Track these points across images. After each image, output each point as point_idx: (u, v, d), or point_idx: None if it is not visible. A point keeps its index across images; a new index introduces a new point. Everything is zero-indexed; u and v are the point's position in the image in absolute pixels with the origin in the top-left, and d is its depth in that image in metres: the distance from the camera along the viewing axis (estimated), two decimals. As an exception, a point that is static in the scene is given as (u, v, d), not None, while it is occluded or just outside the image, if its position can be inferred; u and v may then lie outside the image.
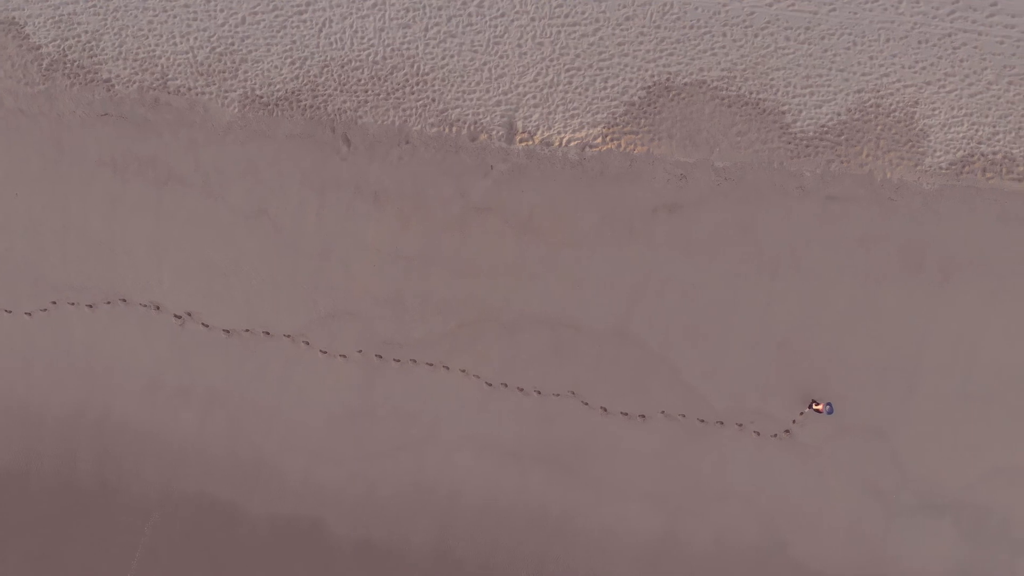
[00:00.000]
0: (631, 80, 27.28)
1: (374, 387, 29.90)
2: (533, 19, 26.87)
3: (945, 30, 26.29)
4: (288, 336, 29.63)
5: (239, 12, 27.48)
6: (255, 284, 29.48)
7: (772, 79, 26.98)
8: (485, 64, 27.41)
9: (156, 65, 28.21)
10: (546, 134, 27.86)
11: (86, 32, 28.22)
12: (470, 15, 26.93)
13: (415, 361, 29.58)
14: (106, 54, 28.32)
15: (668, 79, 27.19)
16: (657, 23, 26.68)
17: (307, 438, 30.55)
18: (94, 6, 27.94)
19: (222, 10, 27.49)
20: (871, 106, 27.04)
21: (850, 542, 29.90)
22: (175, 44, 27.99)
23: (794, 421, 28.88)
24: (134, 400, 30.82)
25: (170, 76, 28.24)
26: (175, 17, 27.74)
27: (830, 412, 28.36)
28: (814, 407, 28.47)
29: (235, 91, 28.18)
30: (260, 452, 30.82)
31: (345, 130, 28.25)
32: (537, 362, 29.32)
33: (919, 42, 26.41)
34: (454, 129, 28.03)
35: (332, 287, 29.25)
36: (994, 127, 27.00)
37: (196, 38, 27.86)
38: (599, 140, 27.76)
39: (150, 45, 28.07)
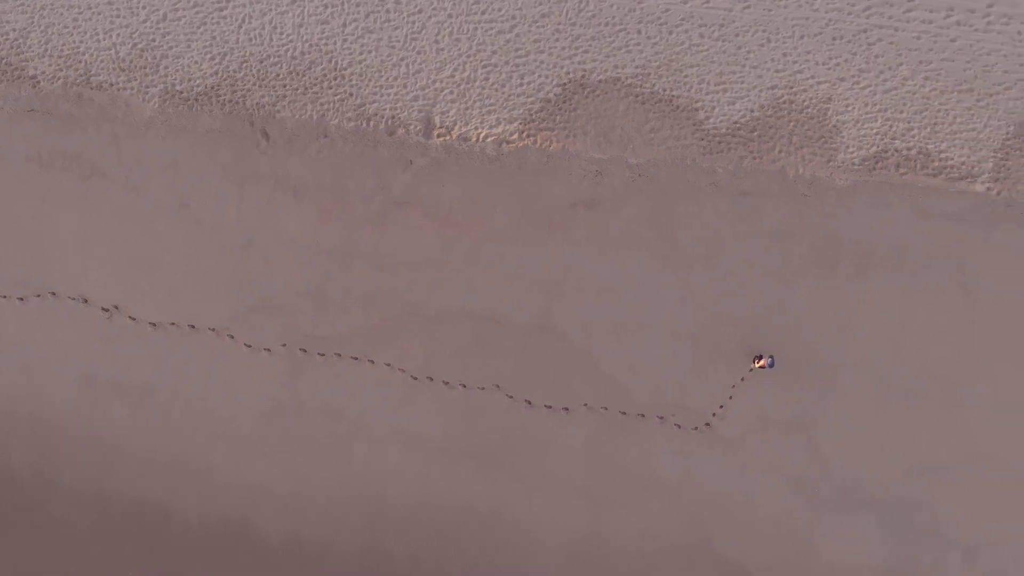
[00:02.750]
0: (547, 77, 27.52)
1: (299, 381, 30.12)
2: (450, 15, 27.13)
3: (860, 26, 26.44)
4: (213, 330, 29.88)
5: (161, 9, 27.80)
6: (178, 277, 29.72)
7: (686, 76, 27.18)
8: (402, 60, 27.67)
9: (80, 61, 28.55)
10: (463, 129, 28.09)
11: (14, 30, 28.58)
12: (388, 11, 27.20)
13: (340, 355, 29.80)
14: (33, 51, 28.68)
15: (583, 76, 27.41)
16: (573, 20, 26.91)
17: (235, 433, 30.73)
18: (22, 4, 28.31)
19: (144, 7, 27.82)
20: (784, 103, 27.21)
21: (775, 536, 29.99)
22: (98, 40, 28.33)
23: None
24: (66, 393, 31.06)
25: (93, 72, 28.58)
26: (99, 14, 28.08)
27: (771, 366, 28.32)
28: (757, 364, 28.48)
29: (156, 86, 28.50)
30: (189, 447, 31.00)
31: (264, 124, 28.52)
32: (461, 356, 29.53)
33: (833, 38, 26.58)
34: (372, 124, 28.27)
35: (254, 281, 29.48)
36: (909, 123, 27.13)
37: (119, 34, 28.19)
38: (516, 136, 27.99)
39: (74, 42, 28.42)
